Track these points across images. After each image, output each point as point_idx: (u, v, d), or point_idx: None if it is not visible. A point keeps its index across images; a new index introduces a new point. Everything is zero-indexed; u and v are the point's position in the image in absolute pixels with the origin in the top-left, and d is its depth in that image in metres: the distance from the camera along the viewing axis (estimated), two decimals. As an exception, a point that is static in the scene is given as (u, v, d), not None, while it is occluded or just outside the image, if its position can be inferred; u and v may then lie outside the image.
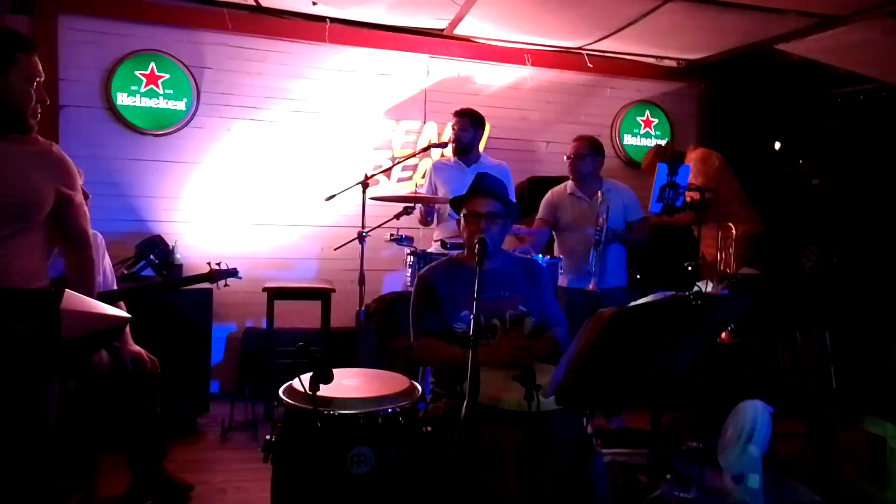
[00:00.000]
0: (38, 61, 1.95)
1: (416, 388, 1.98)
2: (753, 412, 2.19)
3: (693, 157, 4.54)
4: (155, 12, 4.33)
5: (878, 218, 4.96)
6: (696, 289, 1.66)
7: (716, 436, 2.29)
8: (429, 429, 1.97)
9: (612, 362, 1.70)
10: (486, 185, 2.44)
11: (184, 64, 4.38)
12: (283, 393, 1.87)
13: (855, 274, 4.87)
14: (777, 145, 5.71)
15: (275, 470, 1.84)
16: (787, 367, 5.29)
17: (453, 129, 4.00)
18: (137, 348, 2.81)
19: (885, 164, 5.06)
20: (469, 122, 3.95)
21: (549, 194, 3.99)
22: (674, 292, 1.70)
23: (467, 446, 1.73)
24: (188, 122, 4.43)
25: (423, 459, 1.87)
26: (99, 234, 2.88)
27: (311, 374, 1.69)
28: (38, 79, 1.94)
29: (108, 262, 3.07)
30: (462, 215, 2.43)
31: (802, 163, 5.53)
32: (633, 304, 1.65)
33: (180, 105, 4.36)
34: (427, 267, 2.55)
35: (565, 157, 3.90)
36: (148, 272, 3.97)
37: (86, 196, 2.99)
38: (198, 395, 3.91)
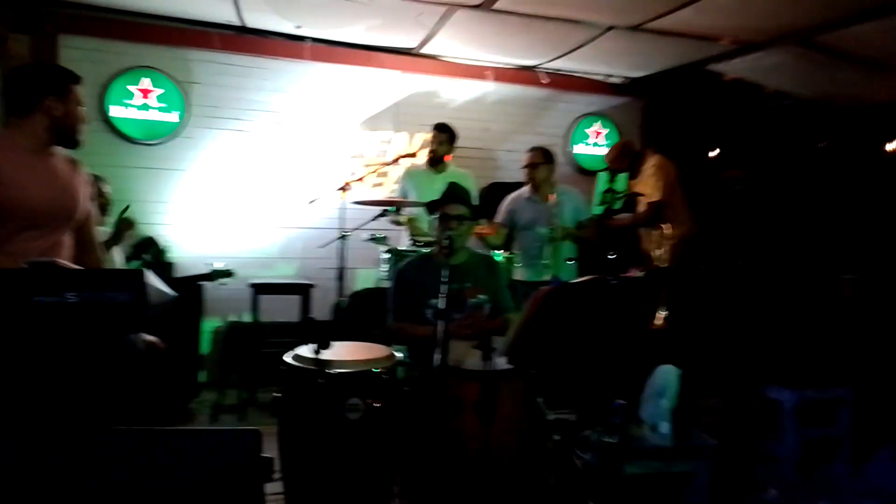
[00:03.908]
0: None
1: (394, 355, 2.46)
2: (666, 374, 2.74)
3: (653, 163, 4.80)
4: (148, 32, 4.72)
5: (805, 216, 5.59)
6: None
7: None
8: (406, 388, 2.45)
9: (549, 329, 2.20)
10: (456, 192, 2.94)
11: (175, 79, 4.77)
12: (290, 357, 2.32)
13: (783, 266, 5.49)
14: (714, 153, 6.33)
15: (280, 420, 2.30)
16: (719, 349, 5.88)
17: (433, 141, 4.48)
18: (149, 336, 3.22)
19: (807, 168, 5.73)
20: (448, 138, 4.46)
21: (506, 200, 4.48)
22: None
23: (438, 398, 2.22)
24: (179, 133, 4.82)
25: (402, 410, 2.35)
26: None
27: (315, 343, 2.15)
28: (82, 105, 2.37)
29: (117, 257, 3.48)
30: (436, 217, 2.91)
31: (735, 170, 6.16)
32: (564, 283, 2.15)
33: (173, 117, 4.77)
34: (405, 262, 3.04)
35: (521, 167, 4.41)
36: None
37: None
38: (189, 381, 4.30)
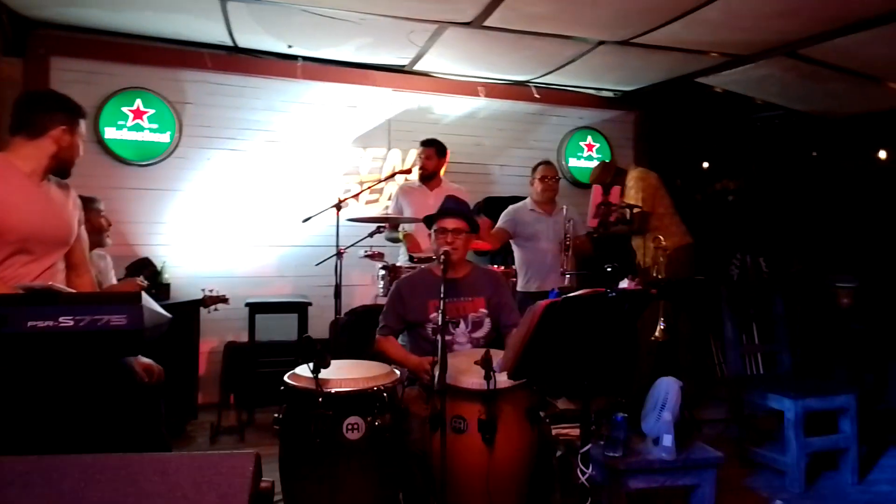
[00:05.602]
0: None
1: (395, 373, 2.44)
2: (667, 386, 2.72)
3: (633, 176, 4.97)
4: (140, 53, 4.70)
5: (799, 225, 5.62)
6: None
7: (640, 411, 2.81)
8: (406, 406, 2.43)
9: (549, 343, 2.18)
10: (453, 205, 2.93)
11: (167, 100, 4.77)
12: (289, 378, 2.30)
13: (780, 276, 5.51)
14: (705, 165, 6.38)
15: (282, 440, 2.27)
16: (720, 360, 5.89)
17: (420, 157, 4.49)
18: (147, 360, 3.18)
19: (799, 178, 5.76)
20: (434, 152, 4.47)
21: (510, 209, 4.47)
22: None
23: (439, 417, 2.20)
24: (171, 153, 4.80)
25: (403, 429, 2.32)
26: (108, 255, 3.27)
27: (313, 362, 2.13)
28: (83, 139, 2.38)
29: (114, 279, 3.44)
30: (433, 231, 2.90)
31: (728, 180, 6.20)
32: (563, 296, 2.14)
33: (164, 137, 4.74)
34: (405, 276, 3.02)
35: (537, 178, 4.39)
36: (137, 292, 4.32)
37: (108, 224, 3.39)
38: (187, 403, 4.26)
